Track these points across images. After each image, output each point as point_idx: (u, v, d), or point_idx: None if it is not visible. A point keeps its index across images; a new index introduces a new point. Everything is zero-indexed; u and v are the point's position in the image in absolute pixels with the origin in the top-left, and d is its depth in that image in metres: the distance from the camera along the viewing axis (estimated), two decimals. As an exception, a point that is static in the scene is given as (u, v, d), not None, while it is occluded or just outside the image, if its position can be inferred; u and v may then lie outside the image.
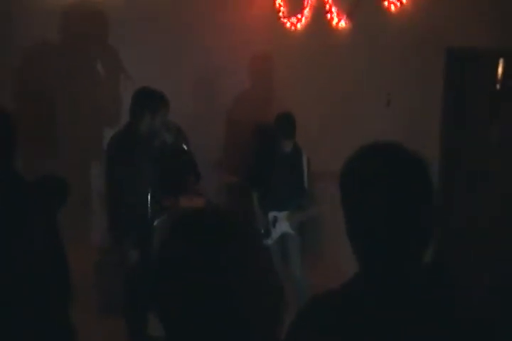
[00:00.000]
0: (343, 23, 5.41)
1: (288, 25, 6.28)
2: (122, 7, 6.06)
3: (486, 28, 3.72)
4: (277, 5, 6.45)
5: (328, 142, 5.62)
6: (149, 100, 3.97)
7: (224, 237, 1.00)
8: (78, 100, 6.05)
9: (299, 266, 4.66)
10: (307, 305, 1.36)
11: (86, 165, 6.25)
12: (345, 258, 5.71)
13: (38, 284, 2.12)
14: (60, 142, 6.08)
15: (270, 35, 6.54)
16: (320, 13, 5.70)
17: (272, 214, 4.63)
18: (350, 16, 5.32)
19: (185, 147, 4.54)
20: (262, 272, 1.01)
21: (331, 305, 1.31)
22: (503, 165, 3.75)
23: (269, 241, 4.64)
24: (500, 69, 3.86)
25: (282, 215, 4.62)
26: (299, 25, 6.15)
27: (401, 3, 4.55)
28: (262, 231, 4.63)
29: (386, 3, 4.68)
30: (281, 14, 6.41)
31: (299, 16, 6.09)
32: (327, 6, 5.54)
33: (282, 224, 4.63)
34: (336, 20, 5.46)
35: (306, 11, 6.00)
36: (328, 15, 5.53)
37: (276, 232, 4.65)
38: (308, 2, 5.93)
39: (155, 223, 3.91)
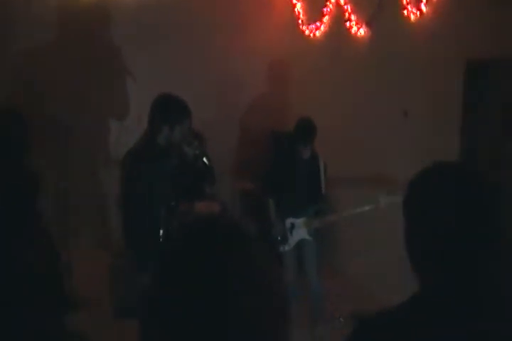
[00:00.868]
0: (362, 32, 5.41)
1: (307, 32, 6.29)
2: (138, 11, 6.12)
3: (506, 40, 3.69)
4: (296, 12, 6.47)
5: (345, 148, 5.61)
6: (169, 111, 3.55)
7: (228, 247, 1.01)
8: (83, 100, 6.07)
9: (315, 273, 4.64)
10: (354, 332, 1.35)
11: (98, 170, 6.29)
12: (361, 265, 5.69)
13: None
14: (69, 143, 6.07)
15: (289, 42, 6.56)
16: (339, 21, 5.70)
17: (289, 221, 4.62)
18: (369, 25, 5.32)
19: (206, 161, 4.36)
20: (265, 286, 1.01)
21: (386, 328, 1.31)
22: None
23: (286, 248, 4.63)
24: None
25: (299, 222, 4.60)
26: (317, 33, 6.16)
27: (421, 12, 4.54)
28: (279, 238, 4.62)
29: (406, 12, 4.67)
30: (300, 22, 6.42)
31: (318, 24, 6.10)
32: (346, 14, 5.55)
33: (299, 231, 4.61)
34: (355, 28, 5.46)
35: (326, 19, 6.01)
36: (348, 24, 5.53)
37: (293, 239, 4.63)
38: (327, 10, 5.94)
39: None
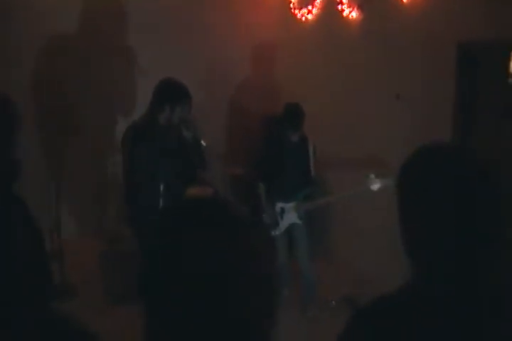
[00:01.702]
0: (353, 15, 5.37)
1: (299, 16, 6.24)
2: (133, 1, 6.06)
3: (498, 22, 3.67)
4: (288, -4, 6.41)
5: (336, 131, 5.60)
6: (170, 93, 3.80)
7: (218, 227, 0.99)
8: (93, 92, 6.02)
9: (307, 257, 4.65)
10: (352, 320, 1.32)
11: (97, 156, 6.25)
12: (352, 249, 5.71)
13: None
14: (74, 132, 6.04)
15: (281, 26, 6.51)
16: (331, 4, 5.66)
17: (279, 205, 4.63)
18: (361, 7, 5.28)
19: (203, 143, 4.45)
20: (257, 267, 1.00)
21: (381, 316, 1.29)
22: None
23: (277, 232, 4.64)
24: (512, 63, 3.82)
25: (290, 206, 4.61)
26: (309, 16, 6.11)
27: (413, -6, 4.50)
28: (269, 222, 4.63)
29: (398, -6, 4.63)
30: (292, 5, 6.36)
31: (310, 7, 6.05)
32: (338, -3, 5.50)
33: (290, 215, 4.62)
34: (346, 11, 5.42)
35: (317, 2, 5.96)
36: (339, 7, 5.48)
37: (283, 223, 4.65)
38: (319, -7, 5.88)
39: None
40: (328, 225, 5.90)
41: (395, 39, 4.79)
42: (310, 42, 6.18)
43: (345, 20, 5.46)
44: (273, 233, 4.65)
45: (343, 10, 5.46)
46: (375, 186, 4.15)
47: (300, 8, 6.22)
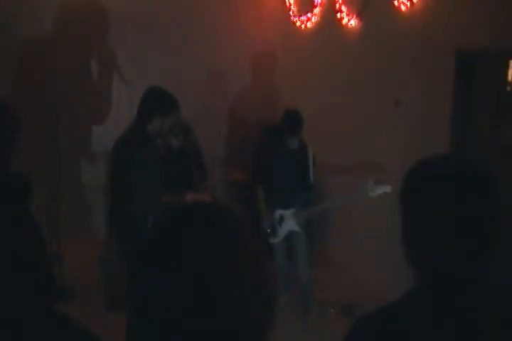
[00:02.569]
0: (352, 23, 5.40)
1: (298, 23, 6.27)
2: (128, 4, 6.08)
3: (496, 29, 3.69)
4: (287, 3, 6.45)
5: (336, 138, 5.62)
6: (160, 102, 3.72)
7: (212, 231, 0.99)
8: (73, 97, 6.02)
9: (306, 264, 4.65)
10: (353, 328, 1.32)
11: (84, 162, 6.26)
12: (352, 256, 5.70)
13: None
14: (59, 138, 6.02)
15: (280, 33, 6.54)
16: (330, 12, 5.69)
17: (278, 212, 4.62)
18: (360, 16, 5.30)
19: (191, 149, 4.44)
20: (249, 273, 1.00)
21: (385, 324, 1.29)
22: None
23: (276, 240, 4.64)
24: (510, 71, 3.83)
25: (289, 213, 4.60)
26: (308, 24, 6.15)
27: (411, 2, 4.53)
28: (268, 230, 4.62)
29: (396, 2, 4.66)
30: (291, 13, 6.40)
31: (309, 15, 6.08)
32: (337, 5, 5.53)
33: (289, 222, 4.61)
34: (345, 19, 5.45)
35: (316, 10, 5.99)
36: (338, 15, 5.52)
37: (282, 231, 4.63)
38: (318, 1, 5.92)
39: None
40: (327, 232, 5.91)
41: (393, 47, 4.81)
42: (309, 49, 6.21)
43: (345, 28, 5.49)
44: (272, 240, 4.64)
45: (342, 18, 5.49)
46: (374, 192, 4.16)
47: (299, 16, 6.26)
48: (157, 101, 3.72)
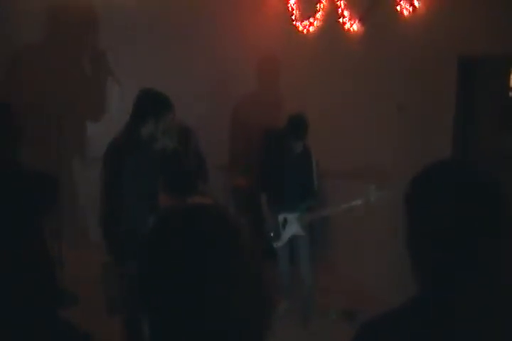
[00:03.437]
0: (355, 27, 5.41)
1: (300, 28, 6.28)
2: (132, 7, 6.09)
3: (498, 35, 3.70)
4: (290, 8, 6.46)
5: (338, 143, 5.62)
6: (154, 104, 3.64)
7: (213, 232, 1.00)
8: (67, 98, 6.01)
9: (309, 268, 4.64)
10: (359, 333, 1.31)
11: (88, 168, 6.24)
12: (354, 260, 5.68)
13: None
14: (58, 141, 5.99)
15: (282, 38, 6.55)
16: (332, 17, 5.70)
17: (281, 217, 4.61)
18: (362, 20, 5.31)
19: (191, 152, 4.42)
20: (249, 276, 1.00)
21: (390, 330, 1.28)
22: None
23: (279, 244, 4.63)
24: (512, 77, 3.84)
25: (292, 217, 4.60)
26: (311, 29, 6.15)
27: (414, 8, 4.54)
28: (272, 234, 4.62)
29: (398, 7, 4.67)
30: (293, 17, 6.41)
31: (312, 20, 6.09)
32: (340, 10, 5.54)
33: (292, 226, 4.60)
34: (348, 24, 5.46)
35: (319, 15, 6.00)
36: (341, 20, 5.53)
37: (286, 235, 4.63)
38: (320, 6, 5.93)
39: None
40: (329, 236, 5.90)
41: (395, 52, 4.82)
42: (311, 54, 6.21)
43: (347, 33, 5.50)
44: (275, 244, 4.64)
45: (344, 23, 5.49)
46: (377, 197, 4.15)
47: (302, 21, 6.26)
48: (151, 104, 3.64)
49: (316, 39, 6.15)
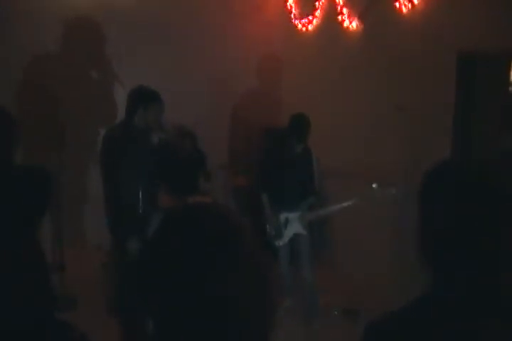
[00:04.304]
0: (354, 25, 5.40)
1: (299, 26, 6.27)
2: (132, 11, 6.09)
3: (498, 31, 3.69)
4: (289, 6, 6.45)
5: (338, 142, 5.61)
6: (142, 95, 4.08)
7: (214, 231, 0.99)
8: (76, 103, 6.03)
9: (310, 267, 4.63)
10: (367, 333, 1.29)
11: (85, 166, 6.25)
12: (356, 259, 5.68)
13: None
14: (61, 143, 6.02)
15: (281, 36, 6.54)
16: (331, 14, 5.69)
17: (283, 216, 4.61)
18: (361, 18, 5.30)
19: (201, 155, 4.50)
20: (255, 273, 1.00)
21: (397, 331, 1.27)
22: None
23: (281, 243, 4.63)
24: (512, 72, 3.83)
25: (294, 216, 4.60)
26: (310, 27, 6.15)
27: (412, 4, 4.53)
28: (274, 232, 4.62)
29: (397, 4, 4.66)
30: (292, 16, 6.40)
31: (311, 18, 6.09)
32: (338, 8, 5.53)
33: (294, 225, 4.61)
34: (347, 21, 5.45)
35: (318, 13, 5.99)
36: (340, 17, 5.52)
37: (287, 234, 4.63)
38: (319, 4, 5.92)
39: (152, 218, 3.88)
40: (330, 235, 5.89)
41: (394, 49, 4.81)
42: (311, 52, 6.20)
43: (346, 30, 5.49)
44: (277, 243, 4.64)
45: (343, 20, 5.49)
46: (378, 196, 4.15)
47: (301, 19, 6.26)
48: (139, 95, 4.08)
49: (316, 37, 6.14)
